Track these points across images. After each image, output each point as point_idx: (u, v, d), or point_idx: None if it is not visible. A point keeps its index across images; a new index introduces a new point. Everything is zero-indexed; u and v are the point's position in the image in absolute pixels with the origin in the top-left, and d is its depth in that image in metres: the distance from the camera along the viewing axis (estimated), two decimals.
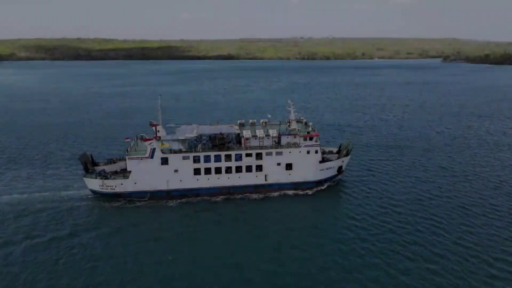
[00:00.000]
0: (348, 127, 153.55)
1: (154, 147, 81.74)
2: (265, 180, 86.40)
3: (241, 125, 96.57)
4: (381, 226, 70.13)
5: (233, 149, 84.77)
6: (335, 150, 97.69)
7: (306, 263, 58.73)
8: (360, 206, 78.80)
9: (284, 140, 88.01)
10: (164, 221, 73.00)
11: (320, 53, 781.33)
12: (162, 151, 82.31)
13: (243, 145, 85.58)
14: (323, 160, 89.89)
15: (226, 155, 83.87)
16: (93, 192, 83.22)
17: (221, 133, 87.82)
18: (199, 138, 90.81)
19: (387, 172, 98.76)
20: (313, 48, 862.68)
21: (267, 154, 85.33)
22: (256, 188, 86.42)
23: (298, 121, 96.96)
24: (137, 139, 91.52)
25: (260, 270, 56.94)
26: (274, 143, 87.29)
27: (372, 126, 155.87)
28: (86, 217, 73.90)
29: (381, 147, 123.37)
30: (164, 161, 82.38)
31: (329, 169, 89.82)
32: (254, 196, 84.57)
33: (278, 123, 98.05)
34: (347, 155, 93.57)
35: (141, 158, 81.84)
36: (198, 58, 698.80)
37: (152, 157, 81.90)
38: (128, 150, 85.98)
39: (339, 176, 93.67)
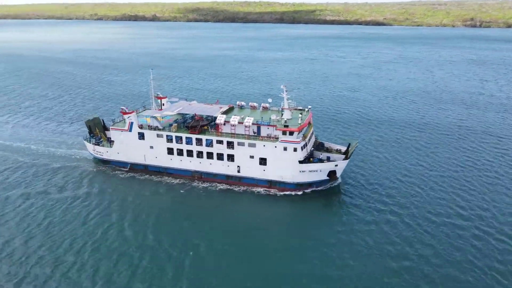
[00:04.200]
0: (381, 122, 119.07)
1: (132, 121, 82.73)
2: (238, 172, 78.26)
3: (241, 108, 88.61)
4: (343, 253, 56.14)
5: (205, 133, 79.01)
6: (344, 149, 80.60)
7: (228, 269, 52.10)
8: (335, 222, 64.99)
9: (264, 131, 76.86)
10: (131, 194, 74.84)
11: (504, 19, 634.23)
12: (139, 126, 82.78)
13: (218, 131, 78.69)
14: (308, 161, 75.54)
15: (197, 139, 78.82)
16: (91, 155, 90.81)
17: (196, 114, 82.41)
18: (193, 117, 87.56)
19: (398, 182, 76.78)
20: (499, 13, 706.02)
21: (239, 144, 76.31)
22: (228, 178, 79.37)
23: (297, 109, 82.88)
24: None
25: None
26: (253, 132, 77.35)
27: (413, 123, 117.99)
28: (70, 177, 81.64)
29: (405, 151, 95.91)
30: (141, 136, 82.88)
31: (314, 172, 74.80)
32: (225, 187, 78.06)
33: (278, 109, 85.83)
34: (346, 158, 75.94)
35: (122, 130, 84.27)
36: (347, 23, 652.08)
37: (130, 130, 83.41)
38: (115, 120, 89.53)
39: (332, 183, 77.23)
